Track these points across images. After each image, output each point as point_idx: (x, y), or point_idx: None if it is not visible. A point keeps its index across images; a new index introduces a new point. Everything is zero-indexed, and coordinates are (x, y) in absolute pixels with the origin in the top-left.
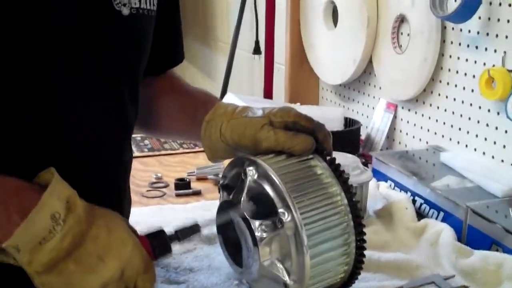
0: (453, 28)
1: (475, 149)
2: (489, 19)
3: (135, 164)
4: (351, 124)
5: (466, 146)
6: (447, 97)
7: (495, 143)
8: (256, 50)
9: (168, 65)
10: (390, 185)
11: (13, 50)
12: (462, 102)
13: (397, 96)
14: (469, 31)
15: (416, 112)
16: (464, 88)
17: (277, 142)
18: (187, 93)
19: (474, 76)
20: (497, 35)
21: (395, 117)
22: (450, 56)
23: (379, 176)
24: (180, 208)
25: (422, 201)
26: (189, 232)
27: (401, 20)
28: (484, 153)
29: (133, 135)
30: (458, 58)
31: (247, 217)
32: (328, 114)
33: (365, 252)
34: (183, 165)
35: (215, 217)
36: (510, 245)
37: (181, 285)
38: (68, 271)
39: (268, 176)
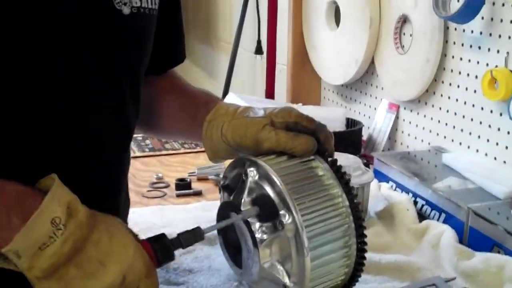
0: (455, 29)
1: (477, 150)
2: (492, 19)
3: (136, 164)
4: (353, 125)
5: (468, 147)
6: (449, 97)
7: (497, 144)
8: (258, 50)
9: (170, 64)
10: (392, 186)
11: (13, 50)
12: (465, 103)
13: (399, 97)
14: (472, 32)
15: (418, 113)
16: (466, 89)
17: (278, 142)
18: (188, 93)
19: (476, 77)
20: (500, 36)
21: (397, 117)
22: (453, 57)
23: (381, 177)
24: (181, 208)
25: (424, 202)
26: (192, 238)
27: (404, 20)
28: (486, 154)
29: (134, 135)
30: (461, 58)
31: (248, 218)
32: (330, 115)
33: (366, 254)
34: (184, 165)
35: (215, 218)
36: None
37: (181, 286)
38: (69, 276)
39: (269, 177)
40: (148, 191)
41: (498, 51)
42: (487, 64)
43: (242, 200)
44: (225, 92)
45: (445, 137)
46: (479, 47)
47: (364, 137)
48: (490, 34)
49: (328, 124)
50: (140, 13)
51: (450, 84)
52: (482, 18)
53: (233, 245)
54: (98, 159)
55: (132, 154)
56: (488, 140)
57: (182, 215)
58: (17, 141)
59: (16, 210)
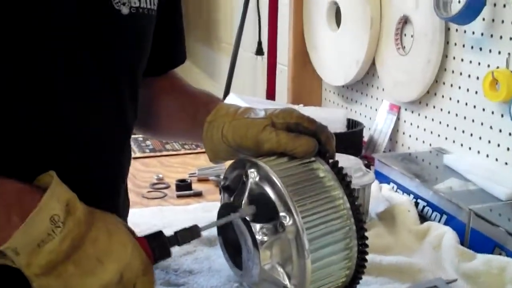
0: (457, 30)
1: (478, 152)
2: (493, 20)
3: (137, 164)
4: (354, 126)
5: (470, 148)
6: (450, 99)
7: (498, 145)
8: (259, 51)
9: (169, 65)
10: (393, 187)
11: (13, 50)
12: (466, 104)
13: (400, 98)
14: (473, 33)
15: (419, 114)
16: (467, 90)
17: (279, 143)
18: (188, 93)
19: (478, 78)
20: (501, 37)
21: (398, 119)
22: (454, 58)
23: (382, 178)
24: (181, 209)
25: (425, 203)
26: (188, 236)
27: (405, 21)
28: (487, 155)
29: (135, 136)
30: (462, 59)
31: (248, 220)
32: (331, 116)
33: (367, 256)
34: (185, 166)
35: (215, 219)
36: None
37: (181, 287)
38: (67, 274)
39: (269, 178)
40: (148, 191)
41: (499, 52)
42: (488, 65)
43: (243, 201)
44: (226, 93)
45: (446, 138)
46: (480, 48)
47: (365, 138)
48: (491, 35)
49: (329, 125)
50: (139, 13)
51: (451, 85)
52: (483, 19)
53: (233, 246)
54: (97, 159)
55: (132, 155)
56: (489, 142)
57: (182, 216)
58: (17, 141)
59: (15, 208)
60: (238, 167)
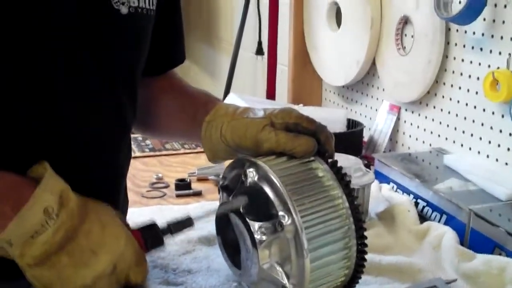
0: (457, 30)
1: (478, 152)
2: (494, 21)
3: (136, 164)
4: (354, 126)
5: (470, 148)
6: (451, 99)
7: (499, 145)
8: (259, 51)
9: (168, 65)
10: (393, 187)
11: (13, 50)
12: (466, 104)
13: (400, 98)
14: (474, 33)
15: (419, 114)
16: (468, 91)
17: (278, 143)
18: (187, 93)
19: (478, 78)
20: (502, 37)
21: (398, 119)
22: (454, 58)
23: (382, 178)
24: (180, 208)
25: (425, 203)
26: (181, 225)
27: (405, 21)
28: (488, 156)
29: (134, 135)
30: (463, 60)
31: (247, 219)
32: (331, 116)
33: (366, 255)
34: (184, 165)
35: (214, 219)
36: None
37: (179, 286)
38: (61, 265)
39: (268, 178)
40: (148, 191)
41: (500, 53)
42: (489, 66)
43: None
44: (226, 93)
45: (446, 138)
46: (481, 49)
47: (365, 138)
48: (492, 36)
49: (328, 125)
50: (138, 13)
51: (452, 86)
52: (484, 19)
53: (232, 245)
54: (97, 159)
55: (132, 154)
56: (489, 142)
57: (181, 215)
58: (17, 141)
59: (9, 200)
60: (237, 167)
